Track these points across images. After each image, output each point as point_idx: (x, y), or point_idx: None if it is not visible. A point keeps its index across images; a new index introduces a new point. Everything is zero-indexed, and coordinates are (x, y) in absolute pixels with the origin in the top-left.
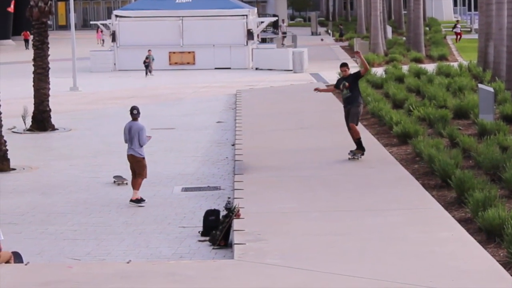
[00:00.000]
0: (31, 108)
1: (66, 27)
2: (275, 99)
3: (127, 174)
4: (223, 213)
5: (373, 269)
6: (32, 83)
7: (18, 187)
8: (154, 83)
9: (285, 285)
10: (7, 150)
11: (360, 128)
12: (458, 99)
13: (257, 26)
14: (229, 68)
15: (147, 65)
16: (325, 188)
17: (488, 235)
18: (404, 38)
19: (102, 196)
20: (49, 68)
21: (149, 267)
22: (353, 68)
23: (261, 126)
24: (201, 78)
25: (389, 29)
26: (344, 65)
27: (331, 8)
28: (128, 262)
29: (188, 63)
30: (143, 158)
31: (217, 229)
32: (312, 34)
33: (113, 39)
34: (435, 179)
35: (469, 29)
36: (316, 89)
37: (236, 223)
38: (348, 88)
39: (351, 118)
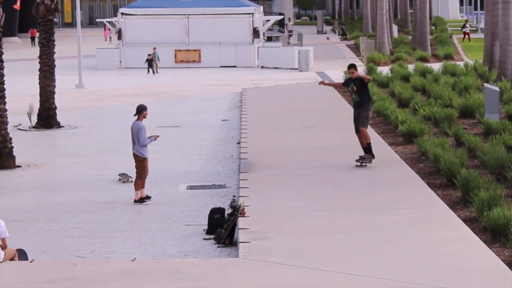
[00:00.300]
0: (36, 106)
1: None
2: (280, 98)
3: (132, 172)
4: (228, 211)
5: (378, 268)
6: (38, 81)
7: (23, 184)
8: (159, 81)
9: (289, 283)
10: (12, 147)
11: None
12: (464, 99)
13: (263, 25)
14: (235, 66)
15: (150, 63)
16: (330, 187)
17: (493, 234)
18: (410, 37)
19: (108, 193)
20: (55, 66)
21: (154, 265)
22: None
23: (267, 124)
24: (207, 76)
25: (395, 28)
26: (351, 67)
27: (337, 6)
28: (133, 260)
29: (193, 61)
30: (144, 158)
31: (222, 227)
32: (318, 32)
33: (119, 37)
34: (440, 178)
35: (475, 29)
36: (321, 83)
37: (241, 222)
38: (357, 93)
39: (361, 122)
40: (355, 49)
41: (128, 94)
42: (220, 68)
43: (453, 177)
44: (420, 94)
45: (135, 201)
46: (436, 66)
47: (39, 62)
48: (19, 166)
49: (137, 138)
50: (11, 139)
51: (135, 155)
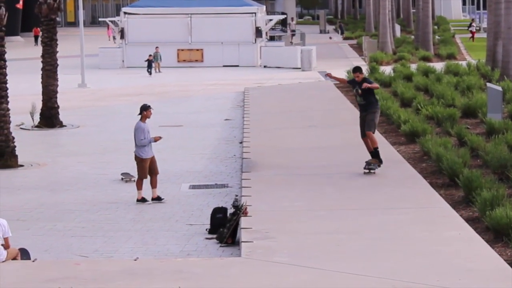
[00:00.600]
0: (39, 105)
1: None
2: (283, 97)
3: (135, 171)
4: (230, 211)
5: (380, 267)
6: (41, 80)
7: (26, 183)
8: (162, 80)
9: (292, 283)
10: (15, 146)
11: None
12: (467, 98)
13: (266, 24)
14: (237, 66)
15: (150, 63)
16: (332, 186)
17: (496, 234)
18: (412, 37)
19: (110, 193)
20: (57, 65)
21: (156, 265)
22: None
23: (269, 124)
24: (209, 75)
25: (397, 28)
26: (356, 70)
27: (340, 6)
28: (135, 260)
29: (196, 60)
30: (142, 159)
31: (225, 227)
32: (321, 32)
33: (122, 36)
34: (443, 178)
35: (478, 28)
36: (328, 75)
37: (243, 221)
38: (362, 96)
39: (367, 126)
40: (358, 48)
41: (131, 93)
42: (222, 67)
43: (456, 177)
44: (423, 93)
45: (137, 200)
46: (438, 66)
47: (42, 61)
48: (21, 165)
49: (134, 139)
50: (13, 138)
51: (134, 155)
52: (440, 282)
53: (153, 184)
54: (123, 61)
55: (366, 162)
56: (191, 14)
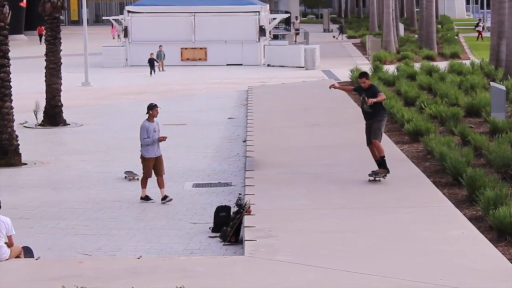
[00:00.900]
0: (43, 103)
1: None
2: (286, 96)
3: (138, 170)
4: (234, 209)
5: (384, 266)
6: (44, 78)
7: (29, 182)
8: (165, 79)
9: (295, 282)
10: (18, 144)
11: None
12: (470, 97)
13: (269, 23)
14: (241, 65)
15: (152, 63)
16: (336, 185)
17: (499, 233)
18: (416, 36)
19: (113, 191)
20: (61, 63)
21: (159, 263)
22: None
23: (273, 122)
24: (213, 74)
25: (401, 27)
26: (363, 75)
27: (343, 5)
28: (138, 258)
29: (200, 59)
30: (144, 158)
31: (228, 225)
32: (324, 31)
33: (125, 35)
34: (446, 177)
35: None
36: (332, 86)
37: (246, 220)
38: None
39: (373, 134)
40: (361, 47)
41: (134, 92)
42: (226, 66)
43: (459, 176)
44: (426, 92)
45: (141, 198)
46: (442, 65)
47: (45, 60)
48: (25, 164)
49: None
50: (17, 136)
51: (140, 154)
52: (444, 281)
53: (159, 185)
54: (126, 59)
55: (373, 171)
56: (194, 12)
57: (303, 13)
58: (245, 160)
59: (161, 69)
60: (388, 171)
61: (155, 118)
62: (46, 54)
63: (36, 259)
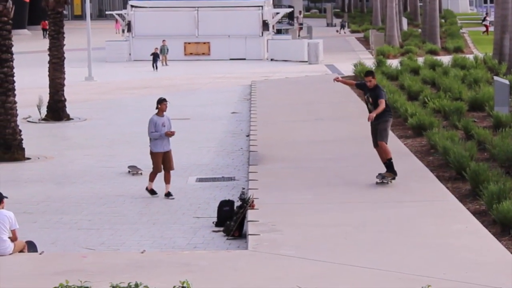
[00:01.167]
0: (46, 98)
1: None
2: (290, 90)
3: (142, 164)
4: (237, 203)
5: (387, 260)
6: (48, 73)
7: (33, 176)
8: (169, 73)
9: (299, 276)
10: (22, 139)
11: None
12: (473, 91)
13: (273, 17)
14: (244, 59)
15: (155, 57)
16: (339, 179)
17: (503, 227)
18: (419, 30)
19: (117, 186)
20: (64, 58)
21: (163, 257)
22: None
23: (276, 117)
24: (216, 68)
25: (404, 21)
26: (369, 74)
27: None
28: (142, 252)
29: (203, 53)
30: (152, 152)
31: (231, 219)
32: (328, 25)
33: (129, 29)
34: (450, 171)
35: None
36: (336, 79)
37: (250, 214)
38: (373, 104)
39: (379, 136)
40: (365, 41)
41: (138, 86)
42: (229, 60)
43: (463, 170)
44: (430, 87)
45: (146, 188)
46: (445, 59)
47: (49, 55)
48: (28, 158)
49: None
50: (20, 131)
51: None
52: (447, 275)
53: (166, 180)
54: (130, 54)
55: (380, 174)
56: (198, 7)
57: (306, 7)
58: (248, 155)
59: (164, 63)
60: (395, 174)
61: (165, 113)
62: (50, 49)
63: (40, 254)
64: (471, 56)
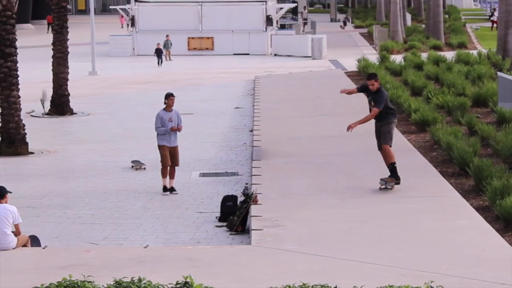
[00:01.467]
0: (49, 92)
1: (85, 11)
2: (293, 86)
3: (145, 159)
4: (240, 199)
5: (390, 256)
6: (51, 67)
7: (36, 171)
8: (172, 68)
9: (302, 271)
10: (25, 134)
11: None
12: (477, 87)
13: (276, 12)
14: (248, 54)
15: (159, 53)
16: (342, 174)
17: (506, 223)
18: (423, 26)
19: (120, 181)
20: (68, 53)
21: (166, 252)
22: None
23: (279, 112)
24: (220, 63)
25: (408, 17)
26: (372, 77)
27: None
28: (145, 247)
29: (206, 48)
30: (158, 145)
31: (235, 214)
32: (331, 20)
33: (132, 24)
34: (453, 167)
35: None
36: (342, 91)
37: (253, 209)
38: (375, 107)
39: (383, 139)
40: (368, 37)
41: (141, 81)
42: (233, 55)
43: (466, 166)
44: (433, 82)
45: (164, 189)
46: (449, 55)
47: (53, 49)
48: (32, 153)
49: None
50: (24, 125)
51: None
52: (450, 270)
53: (170, 175)
54: (133, 49)
55: (382, 179)
56: (201, 2)
57: (310, 2)
58: (252, 150)
59: (168, 58)
60: (398, 179)
61: (174, 108)
62: (53, 43)
63: (43, 248)
64: (475, 52)
